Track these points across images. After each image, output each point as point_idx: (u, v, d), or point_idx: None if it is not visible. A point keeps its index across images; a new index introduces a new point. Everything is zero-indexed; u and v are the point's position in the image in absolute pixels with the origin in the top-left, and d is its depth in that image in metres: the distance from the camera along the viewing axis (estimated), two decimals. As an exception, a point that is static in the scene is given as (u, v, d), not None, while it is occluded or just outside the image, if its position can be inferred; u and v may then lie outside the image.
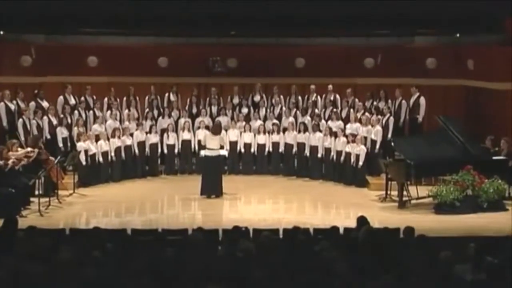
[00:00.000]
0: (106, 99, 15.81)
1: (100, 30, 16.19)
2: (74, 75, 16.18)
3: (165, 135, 15.35)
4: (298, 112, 15.89)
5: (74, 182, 13.67)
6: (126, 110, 15.70)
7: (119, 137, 14.77)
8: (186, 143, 15.40)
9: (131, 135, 15.01)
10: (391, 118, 15.11)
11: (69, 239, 8.53)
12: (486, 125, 15.17)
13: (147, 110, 15.84)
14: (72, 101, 15.51)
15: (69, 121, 14.93)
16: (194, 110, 16.08)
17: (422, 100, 15.45)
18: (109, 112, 15.49)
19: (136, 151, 15.02)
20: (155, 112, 15.85)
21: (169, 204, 13.33)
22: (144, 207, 12.89)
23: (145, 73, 16.42)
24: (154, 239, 8.12)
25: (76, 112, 15.23)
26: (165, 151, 15.36)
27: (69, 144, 14.66)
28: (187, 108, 16.05)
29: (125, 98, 15.97)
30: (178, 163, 15.62)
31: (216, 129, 13.78)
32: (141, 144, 15.07)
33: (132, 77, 16.32)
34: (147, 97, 16.15)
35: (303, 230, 7.97)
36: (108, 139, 14.66)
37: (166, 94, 16.30)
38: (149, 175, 15.21)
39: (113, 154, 14.60)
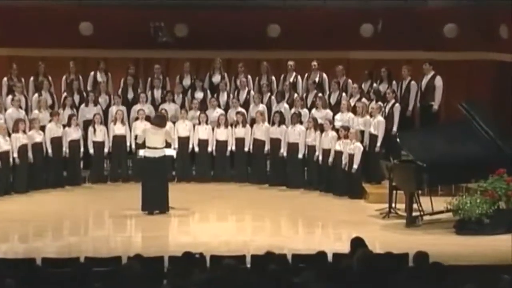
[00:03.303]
0: (5, 79, 15.69)
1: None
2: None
3: (90, 128, 15.25)
4: (271, 97, 15.92)
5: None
6: (35, 95, 15.56)
7: (24, 132, 14.63)
8: (119, 140, 15.32)
9: (42, 128, 14.88)
10: (397, 105, 15.21)
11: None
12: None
13: (64, 94, 15.72)
14: (-42, 82, 15.39)
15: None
16: (130, 95, 16.01)
17: (438, 80, 15.57)
18: (10, 97, 15.34)
19: (49, 150, 14.89)
20: (76, 98, 15.74)
21: (95, 223, 13.25)
22: (61, 228, 12.79)
23: (61, 44, 16.28)
24: (75, 272, 8.03)
25: (-37, 97, 15.12)
26: (91, 150, 15.27)
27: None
28: (120, 92, 15.97)
29: (32, 78, 15.84)
30: (108, 166, 15.57)
31: (159, 120, 13.70)
32: (57, 141, 14.95)
33: (43, 49, 16.20)
34: (64, 77, 16.04)
35: (279, 257, 7.97)
36: (9, 135, 14.51)
37: (91, 73, 16.20)
38: (67, 184, 15.12)
39: (16, 155, 14.45)
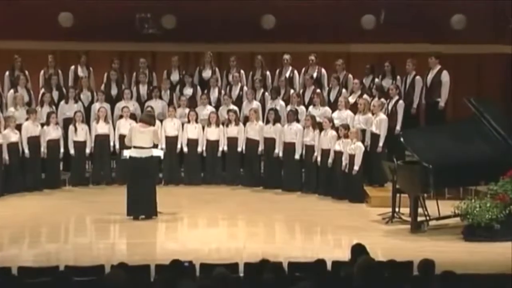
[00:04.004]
0: (-21, 74, 15.72)
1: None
2: None
3: (70, 127, 15.27)
4: (266, 94, 15.92)
5: None
6: (11, 91, 15.56)
7: (-1, 131, 14.66)
8: (101, 139, 15.34)
9: (18, 127, 14.87)
10: (401, 102, 15.23)
11: None
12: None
13: (42, 90, 15.73)
14: None
15: None
16: (114, 91, 16.04)
17: (445, 75, 15.59)
18: (-16, 93, 15.39)
19: (26, 151, 14.89)
20: (55, 94, 15.75)
21: (77, 229, 13.20)
22: (39, 235, 12.75)
23: (39, 36, 16.29)
24: (54, 282, 8.03)
25: None
26: (71, 151, 15.28)
27: None
28: (103, 88, 15.99)
29: (8, 73, 15.85)
30: (90, 168, 15.59)
31: (149, 118, 13.69)
32: (34, 141, 14.95)
33: (19, 41, 16.20)
34: (42, 72, 16.07)
35: (274, 265, 7.97)
36: (-16, 134, 14.54)
37: (72, 68, 16.22)
38: (46, 187, 15.13)
39: (-9, 156, 14.47)
